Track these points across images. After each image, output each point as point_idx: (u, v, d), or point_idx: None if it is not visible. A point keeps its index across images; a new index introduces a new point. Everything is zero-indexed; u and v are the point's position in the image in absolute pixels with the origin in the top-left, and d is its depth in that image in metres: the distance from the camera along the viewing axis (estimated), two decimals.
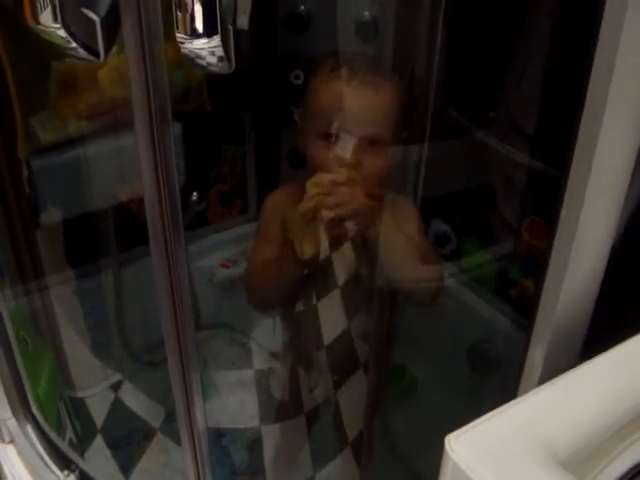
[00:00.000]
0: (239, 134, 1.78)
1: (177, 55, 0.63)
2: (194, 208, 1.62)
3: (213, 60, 0.60)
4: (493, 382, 1.37)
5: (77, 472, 1.33)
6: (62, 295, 1.47)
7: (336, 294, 1.18)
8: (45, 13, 0.58)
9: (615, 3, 0.63)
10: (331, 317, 1.21)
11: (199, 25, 0.56)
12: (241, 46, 0.63)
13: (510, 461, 0.65)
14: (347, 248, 1.15)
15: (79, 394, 1.54)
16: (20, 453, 1.36)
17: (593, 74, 0.68)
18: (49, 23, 0.59)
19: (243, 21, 0.84)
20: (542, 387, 0.77)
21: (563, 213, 0.75)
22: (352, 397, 1.28)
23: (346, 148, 1.05)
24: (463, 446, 0.67)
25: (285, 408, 1.41)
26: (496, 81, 1.31)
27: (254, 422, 1.43)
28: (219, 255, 1.77)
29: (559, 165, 0.75)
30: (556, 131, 0.81)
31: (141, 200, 0.74)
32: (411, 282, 1.19)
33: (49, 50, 0.66)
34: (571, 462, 0.68)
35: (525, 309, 0.89)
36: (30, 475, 1.34)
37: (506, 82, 1.31)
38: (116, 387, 1.60)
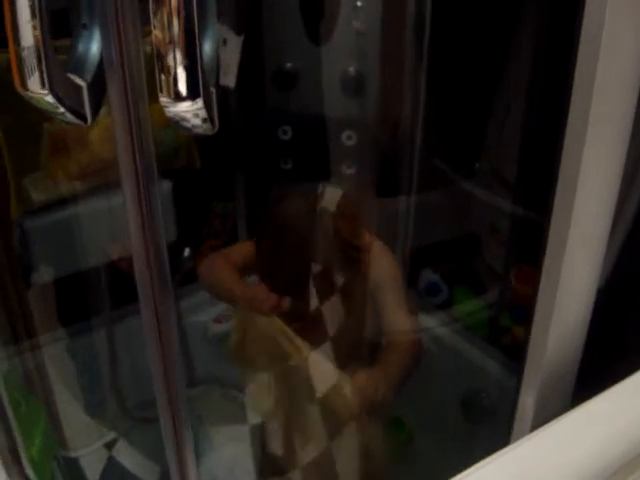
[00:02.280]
0: (229, 190, 1.80)
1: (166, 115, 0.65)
2: (186, 264, 1.63)
3: (197, 122, 0.61)
4: (488, 429, 1.36)
5: None
6: (55, 354, 1.47)
7: (327, 346, 1.18)
8: (33, 79, 0.60)
9: (588, 52, 0.65)
10: (322, 370, 1.21)
11: (182, 88, 0.57)
12: (229, 103, 0.65)
13: None
14: (336, 300, 1.16)
15: (73, 454, 1.53)
16: None
17: (570, 122, 0.70)
18: (37, 89, 0.60)
19: (231, 79, 0.86)
20: (534, 433, 0.77)
21: (546, 260, 0.76)
22: (346, 449, 1.27)
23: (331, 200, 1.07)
24: None
25: (280, 463, 1.40)
26: (479, 132, 1.33)
27: (249, 478, 1.42)
28: (212, 310, 1.77)
29: (542, 212, 0.76)
30: (538, 179, 0.82)
31: (131, 258, 0.75)
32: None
33: (40, 112, 0.67)
34: None
35: (517, 356, 0.90)
36: None
37: (489, 133, 1.33)
38: (110, 446, 1.58)
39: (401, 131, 1.30)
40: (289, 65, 1.60)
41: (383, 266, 1.19)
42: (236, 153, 1.65)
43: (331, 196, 1.09)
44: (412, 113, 1.30)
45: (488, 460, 0.73)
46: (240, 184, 1.78)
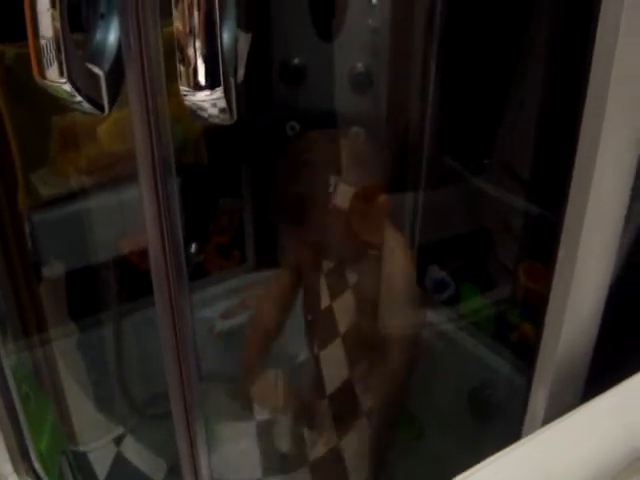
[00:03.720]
0: (236, 186, 1.80)
1: (176, 109, 0.65)
2: (193, 260, 1.63)
3: (215, 112, 0.62)
4: (496, 426, 1.36)
5: None
6: (64, 349, 1.47)
7: (338, 343, 1.18)
8: (51, 69, 0.60)
9: (604, 49, 0.65)
10: (333, 367, 1.21)
11: (202, 78, 0.58)
12: (237, 98, 0.65)
13: None
14: (348, 297, 1.16)
15: (81, 448, 1.53)
16: None
17: (585, 117, 0.69)
18: (55, 78, 0.60)
19: (239, 74, 0.86)
20: (545, 428, 0.77)
21: (561, 253, 0.76)
22: (356, 446, 1.27)
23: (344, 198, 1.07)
24: None
25: (288, 459, 1.40)
26: (489, 128, 1.33)
27: (257, 474, 1.42)
28: (218, 306, 1.76)
29: (554, 208, 0.76)
30: (551, 174, 0.82)
31: (142, 252, 0.75)
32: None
33: (49, 106, 0.67)
34: None
35: (526, 353, 0.90)
36: None
37: (499, 129, 1.32)
38: (118, 441, 1.58)
39: (409, 127, 1.29)
40: (297, 60, 1.60)
41: (395, 261, 1.19)
42: (243, 149, 1.65)
43: (343, 194, 1.08)
44: (421, 109, 1.30)
45: (499, 455, 0.72)
46: (247, 180, 1.78)
